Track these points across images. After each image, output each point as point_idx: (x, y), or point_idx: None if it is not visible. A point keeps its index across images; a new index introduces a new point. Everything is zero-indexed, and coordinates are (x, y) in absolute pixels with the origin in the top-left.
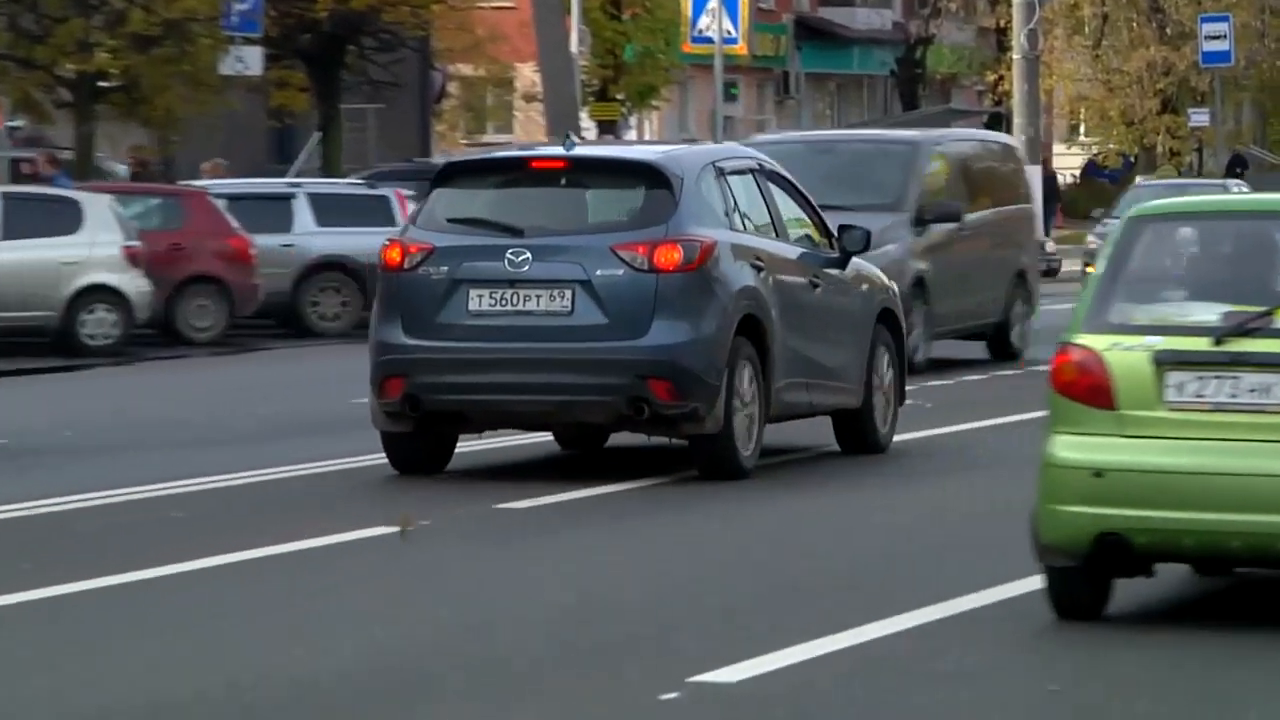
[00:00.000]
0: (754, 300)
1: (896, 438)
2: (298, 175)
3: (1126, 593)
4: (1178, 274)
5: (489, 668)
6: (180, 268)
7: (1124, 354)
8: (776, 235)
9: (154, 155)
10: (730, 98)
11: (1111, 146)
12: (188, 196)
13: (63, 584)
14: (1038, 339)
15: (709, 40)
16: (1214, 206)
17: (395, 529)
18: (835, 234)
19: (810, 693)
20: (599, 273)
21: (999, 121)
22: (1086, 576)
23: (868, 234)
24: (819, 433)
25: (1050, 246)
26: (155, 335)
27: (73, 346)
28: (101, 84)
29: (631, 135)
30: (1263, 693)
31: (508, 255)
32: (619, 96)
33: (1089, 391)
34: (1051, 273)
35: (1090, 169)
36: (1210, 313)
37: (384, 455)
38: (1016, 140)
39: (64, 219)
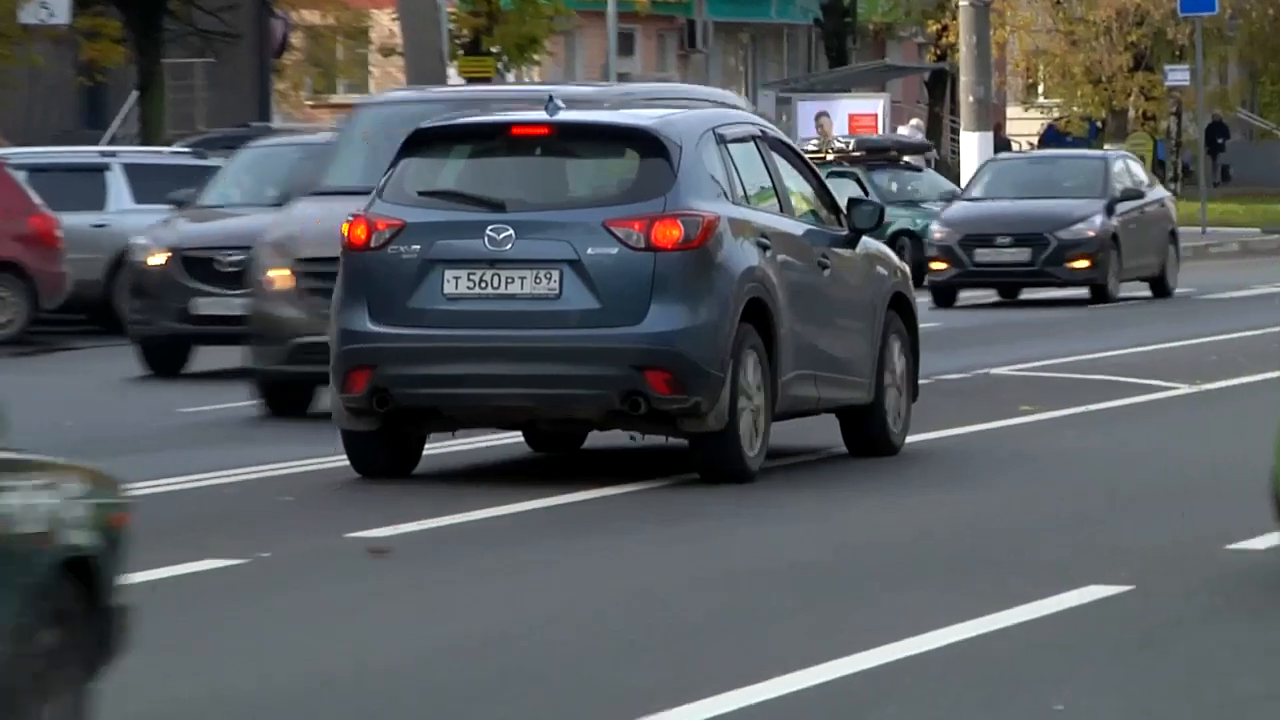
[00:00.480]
0: (760, 283)
1: (909, 438)
2: (112, 142)
3: None
4: None
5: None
6: None
7: None
8: (782, 210)
9: None
10: (626, 51)
11: (1075, 109)
12: None
13: None
14: None
15: None
16: None
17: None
18: (844, 209)
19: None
20: (590, 251)
21: (943, 79)
22: None
23: (880, 209)
24: (820, 433)
25: None
26: None
27: None
28: None
29: None
30: None
31: (488, 232)
32: (493, 49)
33: None
34: None
35: (1050, 136)
36: None
37: (223, 475)
38: (752, 104)
39: None
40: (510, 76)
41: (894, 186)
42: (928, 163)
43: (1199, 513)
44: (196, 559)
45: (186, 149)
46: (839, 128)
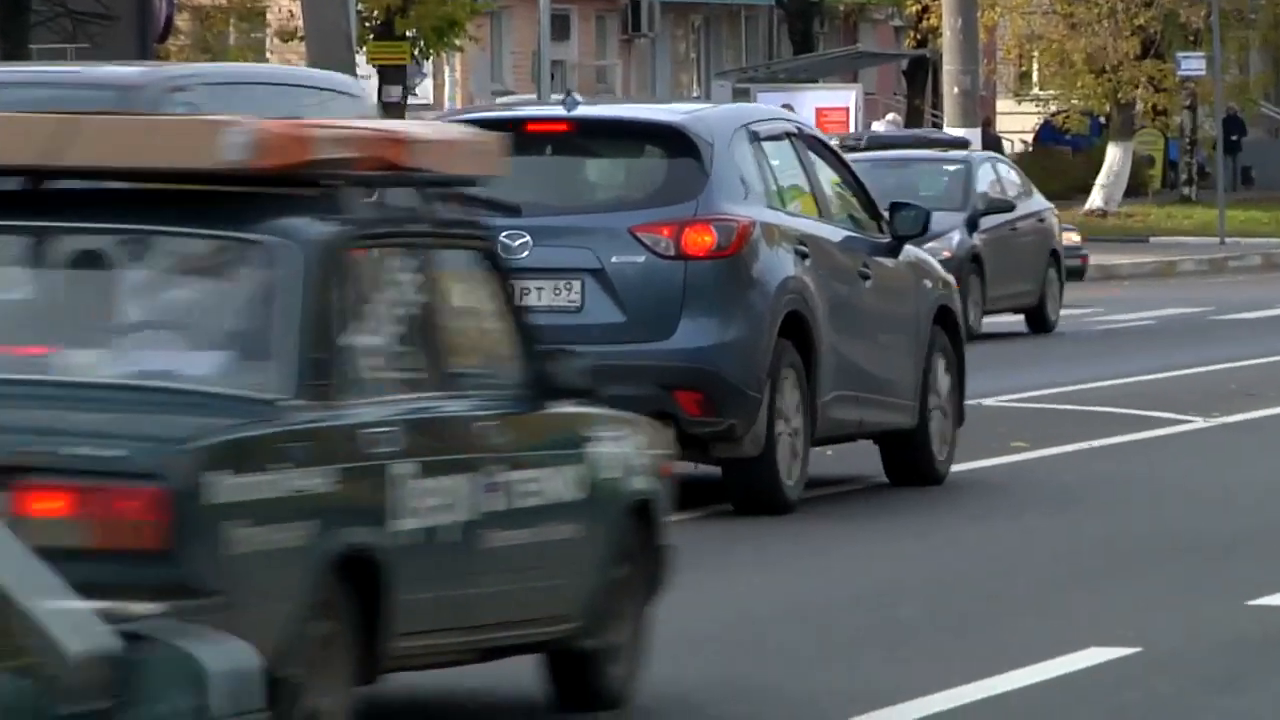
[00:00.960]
0: (798, 294)
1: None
2: None
3: None
4: None
5: None
6: None
7: None
8: (820, 215)
9: None
10: (561, 35)
11: (1075, 102)
12: None
13: None
14: None
15: None
16: None
17: None
18: (886, 214)
19: None
20: (614, 260)
21: (924, 68)
22: None
23: (927, 215)
24: (858, 461)
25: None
26: None
27: None
28: None
29: (426, 86)
30: None
31: (501, 239)
32: (408, 34)
33: None
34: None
35: (1046, 133)
36: None
37: None
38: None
39: None
40: (428, 64)
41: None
42: None
43: (1215, 565)
44: None
45: None
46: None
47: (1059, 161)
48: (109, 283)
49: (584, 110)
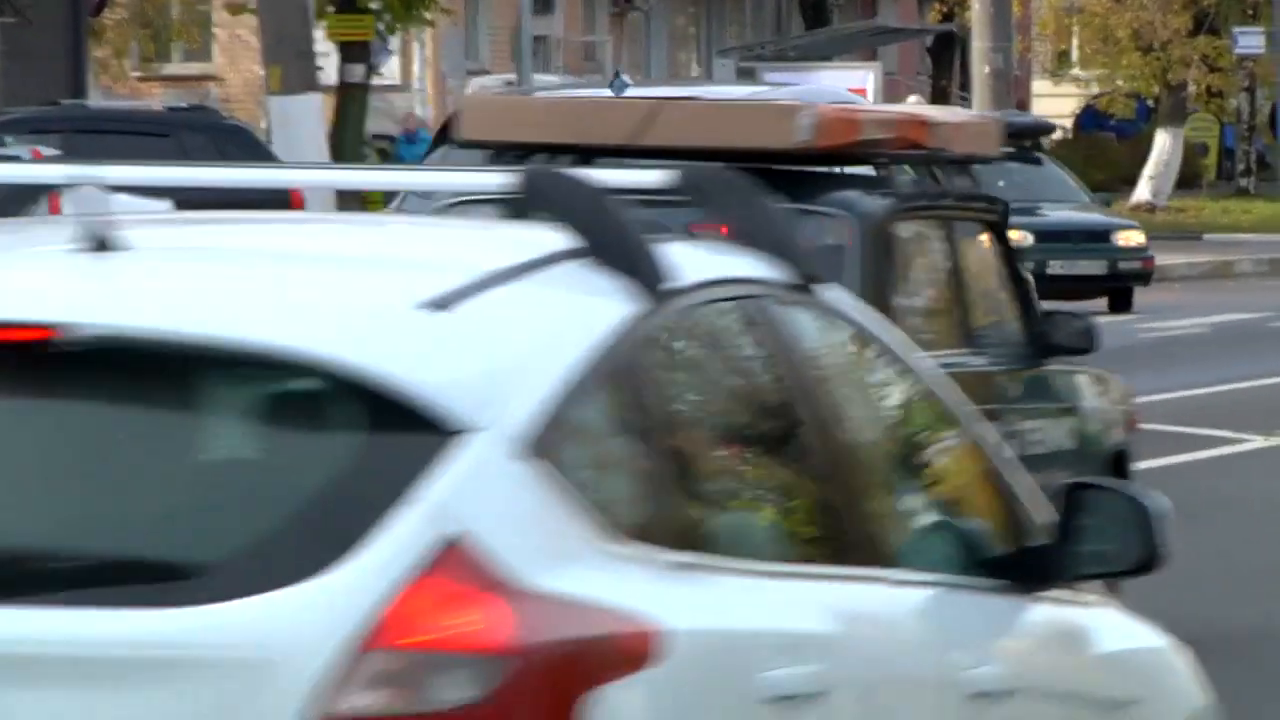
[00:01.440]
0: None
1: None
2: None
3: None
4: None
5: None
6: None
7: None
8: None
9: None
10: (543, 9)
11: (1120, 84)
12: None
13: None
14: None
15: None
16: None
17: None
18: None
19: None
20: None
21: (950, 45)
22: None
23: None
24: None
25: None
26: None
27: None
28: None
29: (393, 65)
30: None
31: None
32: (372, 6)
33: None
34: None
35: (1088, 118)
36: None
37: None
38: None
39: None
40: (395, 41)
41: (1001, 185)
42: (1039, 149)
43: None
44: None
45: None
46: None
47: (1102, 150)
48: None
49: (633, 93)
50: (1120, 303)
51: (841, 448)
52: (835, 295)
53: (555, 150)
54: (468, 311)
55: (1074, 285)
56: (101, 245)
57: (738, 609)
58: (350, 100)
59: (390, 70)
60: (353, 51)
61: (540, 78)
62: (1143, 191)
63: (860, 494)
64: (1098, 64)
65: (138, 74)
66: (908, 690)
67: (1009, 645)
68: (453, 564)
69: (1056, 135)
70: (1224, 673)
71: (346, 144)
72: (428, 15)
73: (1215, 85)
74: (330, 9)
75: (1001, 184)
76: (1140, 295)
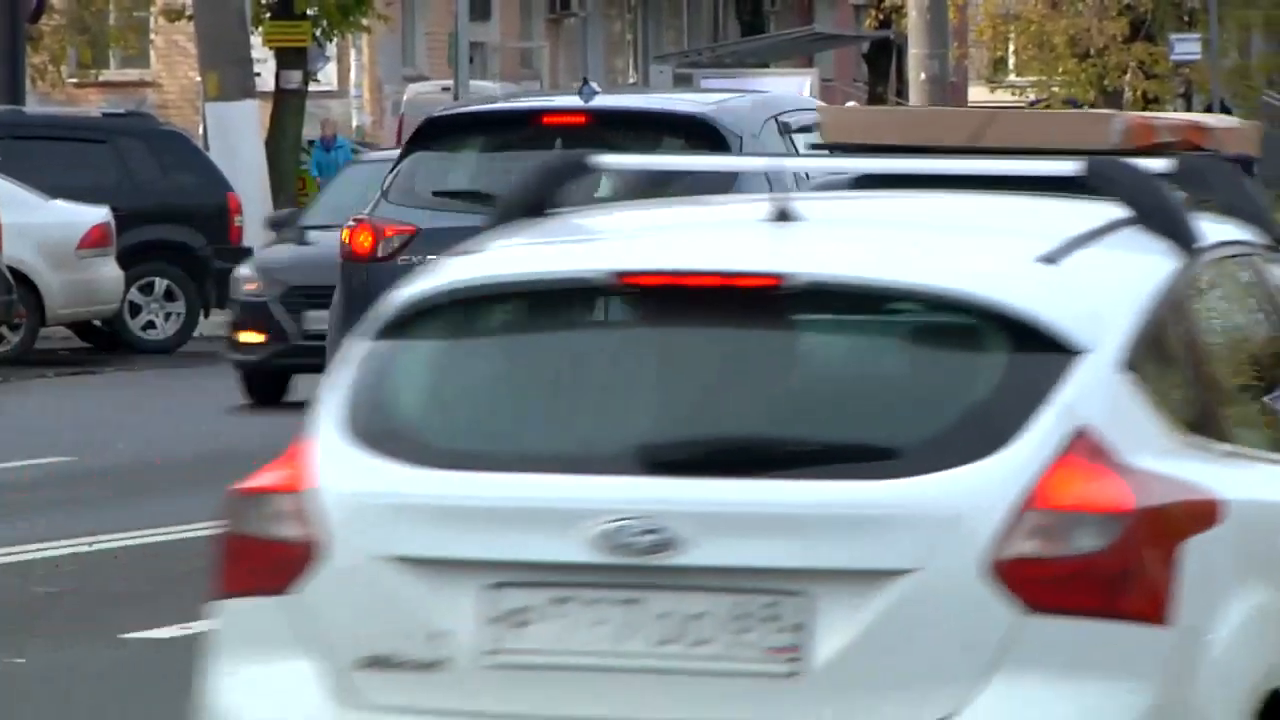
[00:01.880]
0: None
1: None
2: None
3: None
4: None
5: None
6: None
7: None
8: None
9: None
10: (481, 15)
11: (1056, 90)
12: None
13: None
14: None
15: None
16: None
17: None
18: None
19: None
20: None
21: (887, 52)
22: None
23: None
24: None
25: None
26: None
27: None
28: None
29: (330, 70)
30: None
31: None
32: (309, 12)
33: None
34: None
35: None
36: None
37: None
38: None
39: None
40: (332, 47)
41: None
42: None
43: None
44: None
45: None
46: None
47: None
48: None
49: (602, 101)
50: None
51: None
52: None
53: (908, 151)
54: (1070, 264)
55: None
56: (783, 216)
57: (1269, 486)
58: (287, 107)
59: (326, 76)
60: (289, 57)
61: (477, 84)
62: None
63: None
64: (1034, 70)
65: (74, 80)
66: None
67: None
68: (1081, 448)
69: None
70: None
71: (283, 150)
72: (364, 21)
73: (1152, 92)
74: (267, 15)
75: None
76: None
